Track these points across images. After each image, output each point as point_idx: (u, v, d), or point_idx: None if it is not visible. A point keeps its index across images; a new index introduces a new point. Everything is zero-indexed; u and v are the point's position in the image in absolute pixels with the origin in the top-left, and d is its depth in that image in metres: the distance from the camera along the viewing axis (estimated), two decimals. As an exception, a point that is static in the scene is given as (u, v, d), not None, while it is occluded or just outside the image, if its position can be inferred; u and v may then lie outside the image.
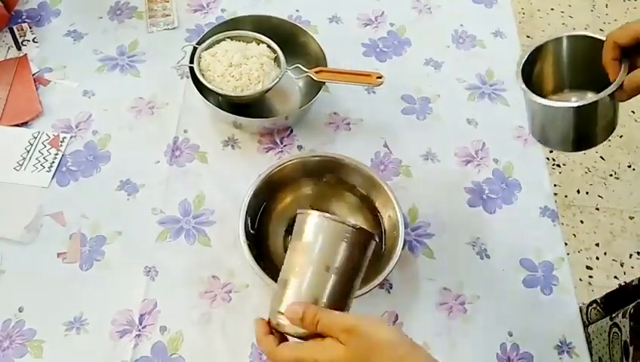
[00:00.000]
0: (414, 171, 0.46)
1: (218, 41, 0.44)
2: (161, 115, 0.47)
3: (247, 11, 0.54)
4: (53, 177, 0.43)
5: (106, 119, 0.46)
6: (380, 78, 0.43)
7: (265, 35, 0.45)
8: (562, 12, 1.19)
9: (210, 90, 0.43)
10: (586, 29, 1.16)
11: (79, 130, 0.46)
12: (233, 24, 0.46)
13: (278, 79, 0.43)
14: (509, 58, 0.53)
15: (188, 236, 0.41)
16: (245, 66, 0.42)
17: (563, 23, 1.17)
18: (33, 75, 0.48)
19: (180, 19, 0.53)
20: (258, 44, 0.44)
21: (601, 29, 1.17)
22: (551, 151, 0.94)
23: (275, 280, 0.32)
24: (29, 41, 0.50)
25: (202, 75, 0.43)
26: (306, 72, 0.43)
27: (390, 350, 0.23)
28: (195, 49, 0.44)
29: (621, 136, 0.97)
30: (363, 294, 0.35)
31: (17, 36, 0.50)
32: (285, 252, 0.28)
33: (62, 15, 0.52)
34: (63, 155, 0.44)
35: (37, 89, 0.47)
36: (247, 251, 0.36)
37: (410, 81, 0.50)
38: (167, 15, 0.53)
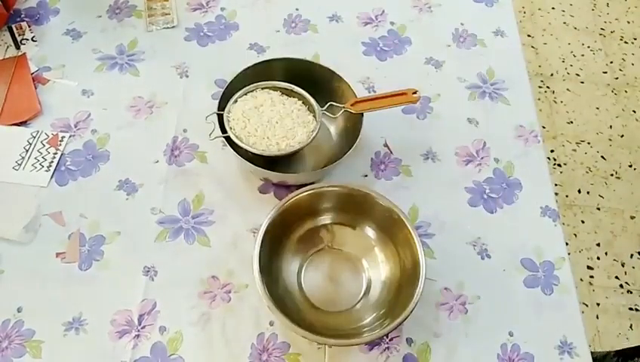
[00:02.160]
0: (415, 171, 0.46)
1: (247, 93, 0.42)
2: (161, 115, 0.47)
3: (246, 11, 0.54)
4: (52, 177, 0.43)
5: (105, 118, 0.46)
6: (415, 93, 0.42)
7: (291, 78, 0.43)
8: (563, 11, 1.18)
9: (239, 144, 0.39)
10: (587, 28, 1.16)
11: (78, 130, 0.46)
12: (259, 70, 0.44)
13: (316, 132, 0.40)
14: (510, 57, 0.53)
15: (187, 236, 0.41)
16: (281, 121, 0.40)
17: (564, 22, 1.17)
18: (32, 74, 0.48)
19: (179, 18, 0.53)
20: (287, 94, 0.42)
21: (602, 28, 1.17)
22: (552, 151, 0.94)
23: (288, 315, 0.33)
24: (27, 39, 0.50)
25: (235, 134, 0.40)
26: (342, 107, 0.41)
27: None
28: (222, 100, 0.41)
29: (622, 136, 0.97)
30: (392, 329, 0.33)
31: (16, 35, 0.50)
32: (299, 289, 0.29)
33: (61, 14, 0.52)
34: (61, 155, 0.44)
35: (36, 88, 0.47)
36: (263, 292, 0.34)
37: (410, 80, 0.50)
38: (166, 14, 0.52)
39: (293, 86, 0.42)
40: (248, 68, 0.45)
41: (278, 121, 0.40)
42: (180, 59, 0.50)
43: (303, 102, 0.42)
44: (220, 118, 0.41)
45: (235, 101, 0.41)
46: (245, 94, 0.42)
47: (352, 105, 0.42)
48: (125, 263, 0.40)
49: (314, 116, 0.41)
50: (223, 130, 0.41)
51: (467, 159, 0.46)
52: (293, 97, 0.42)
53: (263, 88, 0.42)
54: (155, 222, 0.41)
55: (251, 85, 0.42)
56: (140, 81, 0.49)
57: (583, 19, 1.17)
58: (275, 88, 0.42)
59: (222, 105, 0.42)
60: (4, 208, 0.41)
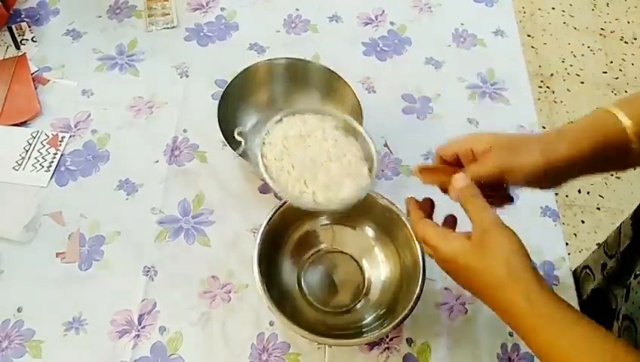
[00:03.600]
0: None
1: (295, 113, 0.33)
2: (161, 115, 0.47)
3: (246, 11, 0.54)
4: (52, 177, 0.43)
5: (105, 118, 0.46)
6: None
7: (291, 78, 0.40)
8: (563, 11, 1.18)
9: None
10: (587, 28, 1.16)
11: (78, 130, 0.46)
12: (259, 70, 0.43)
13: (367, 192, 0.31)
14: (510, 57, 0.53)
15: (187, 236, 0.41)
16: (327, 164, 0.30)
17: (564, 22, 1.17)
18: (32, 74, 0.48)
19: (179, 18, 0.53)
20: (345, 128, 0.32)
21: (602, 28, 1.17)
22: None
23: (287, 315, 0.32)
24: (27, 40, 0.50)
25: (265, 163, 0.31)
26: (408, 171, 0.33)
27: (505, 264, 0.25)
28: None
29: (622, 136, 0.97)
30: (392, 329, 0.33)
31: (16, 35, 0.50)
32: (299, 289, 0.30)
33: (61, 14, 0.52)
34: (61, 155, 0.44)
35: (36, 88, 0.47)
36: (264, 294, 0.33)
37: (410, 80, 0.50)
38: (166, 14, 0.52)
39: (352, 121, 0.32)
40: (248, 68, 0.45)
41: (325, 162, 0.31)
42: (180, 59, 0.50)
43: (360, 145, 0.32)
44: (221, 121, 0.41)
45: (280, 120, 0.32)
46: (293, 114, 0.32)
47: (420, 171, 0.32)
48: (125, 263, 0.40)
49: (369, 169, 0.31)
50: (224, 133, 0.40)
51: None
52: (350, 135, 0.32)
53: (315, 113, 0.32)
54: (155, 222, 0.41)
55: (303, 107, 0.33)
56: (140, 81, 0.49)
57: (583, 19, 1.17)
58: (328, 116, 0.32)
59: (222, 105, 0.42)
60: (4, 208, 0.41)
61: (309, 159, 0.32)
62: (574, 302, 0.40)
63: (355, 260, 0.40)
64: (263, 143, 0.32)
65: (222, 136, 0.41)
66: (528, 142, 0.28)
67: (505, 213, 0.43)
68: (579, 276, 0.42)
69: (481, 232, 0.27)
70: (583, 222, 0.88)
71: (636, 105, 0.28)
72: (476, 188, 0.27)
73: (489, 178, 0.28)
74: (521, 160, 0.28)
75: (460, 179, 0.28)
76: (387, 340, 0.37)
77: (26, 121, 0.46)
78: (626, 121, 0.27)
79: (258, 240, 0.36)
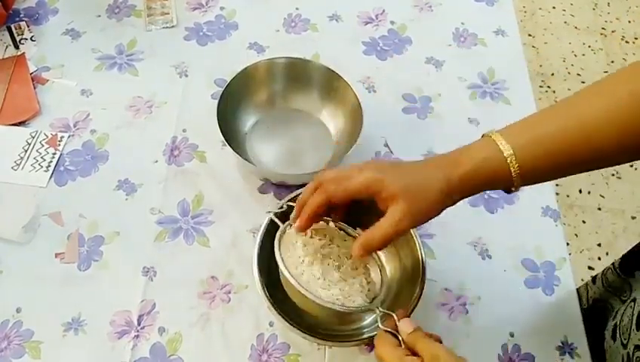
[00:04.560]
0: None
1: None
2: (160, 114, 0.47)
3: (246, 10, 0.54)
4: (51, 177, 0.43)
5: (104, 118, 0.46)
6: None
7: (291, 78, 0.41)
8: (564, 10, 1.18)
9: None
10: (587, 27, 1.16)
11: (77, 130, 0.45)
12: (259, 69, 0.43)
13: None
14: (511, 57, 0.53)
15: (186, 236, 0.41)
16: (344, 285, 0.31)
17: (565, 22, 1.17)
18: (31, 73, 0.48)
19: (178, 18, 0.52)
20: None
21: (603, 28, 1.17)
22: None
23: (287, 315, 0.32)
24: (26, 39, 0.50)
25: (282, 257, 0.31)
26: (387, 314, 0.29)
27: None
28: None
29: (623, 136, 0.96)
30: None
31: (15, 35, 0.50)
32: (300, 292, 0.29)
33: (60, 13, 0.52)
34: (60, 155, 0.44)
35: (35, 88, 0.47)
36: (265, 298, 0.33)
37: (411, 79, 0.50)
38: (165, 13, 0.52)
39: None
40: (248, 67, 0.44)
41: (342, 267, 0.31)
42: (180, 59, 0.50)
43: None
44: (220, 120, 0.40)
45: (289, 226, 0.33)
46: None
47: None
48: (124, 263, 0.39)
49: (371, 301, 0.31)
50: (224, 133, 0.40)
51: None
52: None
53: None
54: (155, 223, 0.41)
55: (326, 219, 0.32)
56: (139, 80, 0.48)
57: (584, 18, 1.17)
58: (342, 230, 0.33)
59: (222, 105, 0.42)
60: (3, 208, 0.41)
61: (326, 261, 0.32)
62: (575, 305, 0.40)
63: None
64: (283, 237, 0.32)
65: (221, 136, 0.41)
66: (429, 189, 0.28)
67: (506, 214, 0.44)
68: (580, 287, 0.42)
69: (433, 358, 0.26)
70: (584, 222, 0.88)
71: (516, 131, 0.29)
72: (421, 329, 0.28)
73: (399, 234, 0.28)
74: (425, 212, 0.28)
75: (406, 325, 0.28)
76: (387, 341, 0.37)
77: (25, 121, 0.45)
78: (505, 148, 0.28)
79: (258, 241, 0.36)
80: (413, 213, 0.28)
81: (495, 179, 0.28)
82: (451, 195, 0.28)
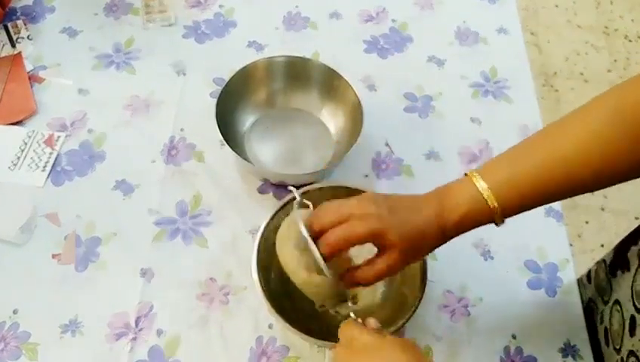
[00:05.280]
0: (416, 171, 0.45)
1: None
2: (158, 113, 0.46)
3: (245, 8, 0.53)
4: (48, 177, 0.42)
5: (102, 117, 0.46)
6: None
7: (290, 77, 0.41)
8: (566, 9, 1.17)
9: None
10: (590, 26, 1.15)
11: (74, 129, 0.45)
12: (258, 68, 0.42)
13: None
14: (513, 55, 0.52)
15: (185, 237, 0.40)
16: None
17: (567, 20, 1.16)
18: (28, 72, 0.47)
19: (176, 16, 0.52)
20: None
21: (605, 26, 1.16)
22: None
23: (287, 317, 0.32)
24: (23, 38, 0.49)
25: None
26: None
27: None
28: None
29: (626, 135, 0.96)
30: (395, 329, 0.33)
31: (12, 33, 0.50)
32: (299, 290, 0.29)
33: (57, 12, 0.51)
34: (57, 154, 0.43)
35: (32, 87, 0.47)
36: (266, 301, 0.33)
37: (412, 78, 0.50)
38: (163, 11, 0.52)
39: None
40: (247, 66, 0.44)
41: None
42: (178, 57, 0.49)
43: None
44: (219, 120, 0.40)
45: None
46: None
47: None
48: (122, 265, 0.39)
49: None
50: (222, 132, 0.40)
51: (470, 158, 0.46)
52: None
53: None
54: (152, 223, 0.41)
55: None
56: (137, 79, 0.48)
57: (587, 17, 1.16)
58: None
59: (220, 104, 0.42)
60: (0, 209, 0.41)
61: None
62: (578, 306, 0.39)
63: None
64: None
65: (220, 136, 0.40)
66: (424, 242, 0.30)
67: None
68: (580, 284, 0.41)
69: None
70: (587, 223, 0.87)
71: (493, 168, 0.30)
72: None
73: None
74: (418, 257, 0.31)
75: (373, 323, 0.29)
76: (388, 343, 0.37)
77: (21, 121, 0.45)
78: (483, 186, 0.29)
79: (257, 242, 0.35)
80: (408, 259, 0.30)
81: (481, 219, 0.30)
82: (444, 239, 0.30)
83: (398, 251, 0.28)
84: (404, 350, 0.26)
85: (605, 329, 0.37)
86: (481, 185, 0.29)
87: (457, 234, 0.30)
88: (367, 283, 0.30)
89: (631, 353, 0.33)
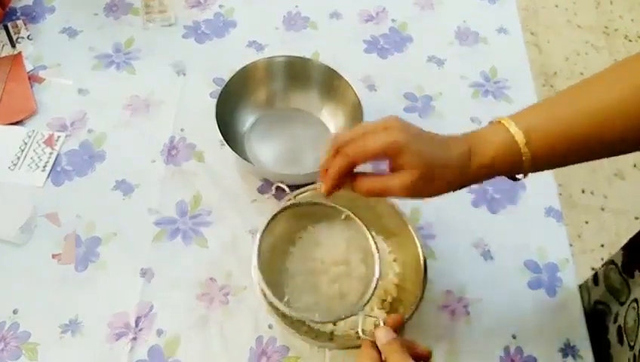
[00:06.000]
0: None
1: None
2: (158, 114, 0.46)
3: (245, 8, 0.53)
4: (48, 177, 0.42)
5: (102, 117, 0.46)
6: None
7: (290, 77, 0.41)
8: (566, 9, 1.17)
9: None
10: (590, 26, 1.15)
11: (74, 129, 0.45)
12: (258, 68, 0.42)
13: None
14: (513, 55, 0.52)
15: (184, 237, 0.40)
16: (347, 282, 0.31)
17: (567, 20, 1.16)
18: (28, 72, 0.47)
19: (176, 16, 0.52)
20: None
21: (605, 26, 1.16)
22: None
23: (287, 317, 0.32)
24: (23, 38, 0.49)
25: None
26: None
27: None
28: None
29: (626, 135, 0.96)
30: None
31: (12, 33, 0.50)
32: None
33: (57, 12, 0.51)
34: (58, 155, 0.43)
35: (31, 87, 0.47)
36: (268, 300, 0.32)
37: (412, 78, 0.50)
38: (163, 11, 0.52)
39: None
40: (247, 66, 0.44)
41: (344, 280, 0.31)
42: (178, 57, 0.49)
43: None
44: (219, 120, 0.40)
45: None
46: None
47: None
48: (122, 264, 0.39)
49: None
50: (222, 132, 0.40)
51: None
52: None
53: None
54: (152, 223, 0.41)
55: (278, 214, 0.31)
56: (137, 79, 0.48)
57: (587, 17, 1.16)
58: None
59: (220, 104, 0.42)
60: (0, 209, 0.41)
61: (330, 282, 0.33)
62: (578, 307, 0.39)
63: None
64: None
65: (220, 136, 0.40)
66: (446, 172, 0.27)
67: (508, 214, 0.43)
68: (582, 287, 0.41)
69: None
70: (587, 222, 0.87)
71: (527, 116, 0.28)
72: (398, 341, 0.27)
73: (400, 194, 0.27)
74: (431, 191, 0.28)
75: (381, 334, 0.27)
76: (388, 343, 0.37)
77: (21, 121, 0.45)
78: (517, 132, 0.27)
79: (257, 242, 0.35)
80: (422, 187, 0.27)
81: (509, 167, 0.28)
82: (463, 182, 0.28)
83: (417, 173, 0.26)
84: None
85: (619, 327, 0.36)
86: (514, 129, 0.27)
87: (479, 179, 0.28)
88: (369, 194, 0.27)
89: None
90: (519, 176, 0.29)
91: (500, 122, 0.28)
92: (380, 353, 0.27)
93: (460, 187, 0.28)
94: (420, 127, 0.28)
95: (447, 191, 0.28)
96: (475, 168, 0.28)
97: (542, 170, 0.29)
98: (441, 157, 0.27)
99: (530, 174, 0.29)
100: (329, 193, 0.29)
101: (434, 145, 0.28)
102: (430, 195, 0.28)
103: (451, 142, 0.28)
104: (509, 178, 0.30)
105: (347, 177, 0.29)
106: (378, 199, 0.37)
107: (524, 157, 0.27)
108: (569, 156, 0.29)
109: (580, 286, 0.41)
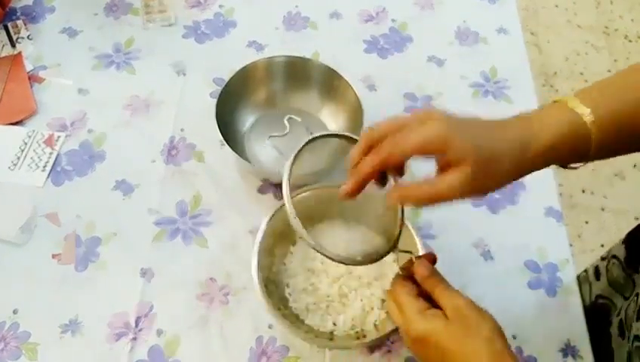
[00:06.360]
0: (416, 171, 0.45)
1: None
2: (158, 113, 0.46)
3: (245, 8, 0.53)
4: (48, 177, 0.42)
5: (102, 117, 0.46)
6: None
7: (290, 77, 0.41)
8: (566, 9, 1.17)
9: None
10: (590, 26, 1.15)
11: (74, 129, 0.45)
12: (258, 68, 0.42)
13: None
14: (513, 55, 0.52)
15: (185, 237, 0.40)
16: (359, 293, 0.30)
17: (567, 20, 1.16)
18: (28, 72, 0.47)
19: (176, 16, 0.52)
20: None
21: (606, 26, 1.16)
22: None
23: (287, 318, 0.32)
24: (23, 38, 0.49)
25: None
26: None
27: (487, 345, 0.24)
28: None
29: (626, 135, 0.96)
30: (393, 331, 0.31)
31: (12, 33, 0.50)
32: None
33: (57, 12, 0.51)
34: (57, 155, 0.43)
35: (31, 87, 0.47)
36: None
37: (412, 78, 0.50)
38: (163, 11, 0.52)
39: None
40: (247, 66, 0.44)
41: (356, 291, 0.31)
42: (178, 57, 0.49)
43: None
44: (219, 120, 0.40)
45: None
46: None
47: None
48: (122, 264, 0.39)
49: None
50: (222, 132, 0.40)
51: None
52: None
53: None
54: (152, 223, 0.41)
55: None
56: (137, 79, 0.48)
57: (587, 17, 1.16)
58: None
59: (220, 104, 0.42)
60: (0, 209, 0.41)
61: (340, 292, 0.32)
62: (578, 307, 0.39)
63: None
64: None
65: (220, 136, 0.40)
66: (502, 161, 0.23)
67: (508, 214, 0.43)
68: (581, 280, 0.41)
69: (459, 316, 0.25)
70: (587, 222, 0.87)
71: (593, 95, 0.25)
72: (439, 274, 0.26)
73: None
74: (489, 186, 0.24)
75: (422, 268, 0.25)
76: (388, 343, 0.37)
77: (21, 121, 0.45)
78: (585, 111, 0.24)
79: (257, 242, 0.35)
80: (478, 184, 0.23)
81: (573, 152, 0.25)
82: (523, 169, 0.25)
83: (469, 169, 0.22)
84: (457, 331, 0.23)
85: (620, 321, 0.35)
86: (583, 109, 0.24)
87: (539, 166, 0.24)
88: (419, 204, 0.25)
89: (636, 337, 0.32)
90: (575, 165, 0.26)
91: (563, 101, 0.25)
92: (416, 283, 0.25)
93: (519, 177, 0.25)
94: (464, 115, 0.25)
95: (504, 184, 0.25)
96: (535, 154, 0.24)
97: (606, 157, 0.25)
98: (495, 146, 0.23)
99: (530, 175, 0.27)
100: (352, 193, 0.26)
101: (484, 132, 0.24)
102: (487, 191, 0.24)
103: (505, 126, 0.24)
104: (564, 167, 0.26)
105: (375, 178, 0.26)
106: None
107: (592, 139, 0.24)
108: (632, 142, 0.25)
109: (580, 279, 0.40)
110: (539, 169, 0.25)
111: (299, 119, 0.35)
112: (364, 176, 0.25)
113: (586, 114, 0.24)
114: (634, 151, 0.27)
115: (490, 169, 0.23)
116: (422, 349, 0.25)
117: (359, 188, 0.26)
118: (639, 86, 0.26)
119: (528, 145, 0.24)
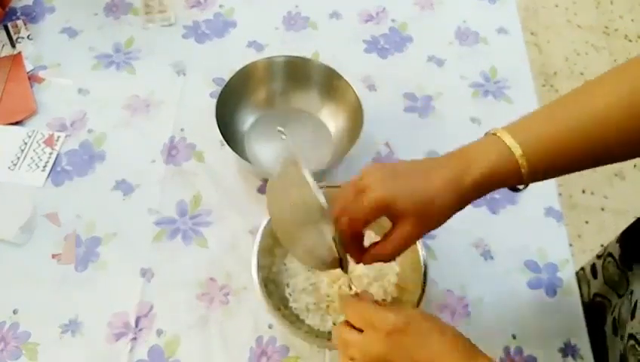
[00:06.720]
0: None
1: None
2: (158, 113, 0.46)
3: (245, 8, 0.53)
4: (48, 177, 0.42)
5: (102, 117, 0.46)
6: None
7: (290, 77, 0.41)
8: (567, 8, 1.17)
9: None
10: (590, 26, 1.15)
11: (74, 129, 0.45)
12: (258, 68, 0.43)
13: None
14: (513, 55, 0.52)
15: (185, 237, 0.40)
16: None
17: (567, 20, 1.16)
18: (28, 72, 0.47)
19: (176, 16, 0.52)
20: None
21: (606, 26, 1.16)
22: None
23: (287, 318, 0.32)
24: (23, 38, 0.49)
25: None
26: None
27: (462, 337, 0.26)
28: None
29: (626, 135, 0.96)
30: None
31: (12, 33, 0.50)
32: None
33: (57, 12, 0.51)
34: (57, 154, 0.43)
35: (31, 87, 0.47)
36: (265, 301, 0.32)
37: (412, 78, 0.50)
38: (163, 11, 0.52)
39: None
40: (247, 66, 0.44)
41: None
42: (178, 57, 0.49)
43: None
44: (219, 120, 0.40)
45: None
46: None
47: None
48: (122, 264, 0.39)
49: None
50: (222, 132, 0.40)
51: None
52: None
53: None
54: (152, 223, 0.41)
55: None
56: (137, 79, 0.48)
57: (587, 17, 1.16)
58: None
59: (220, 104, 0.42)
60: (0, 209, 0.41)
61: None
62: (578, 306, 0.39)
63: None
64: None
65: (220, 136, 0.40)
66: (440, 203, 0.27)
67: (508, 215, 0.43)
68: (580, 278, 0.41)
69: (422, 315, 0.27)
70: (587, 222, 0.87)
71: (523, 129, 0.28)
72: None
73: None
74: (435, 222, 0.28)
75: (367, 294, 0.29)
76: (388, 343, 0.37)
77: (21, 121, 0.45)
78: (513, 144, 0.27)
79: (257, 242, 0.35)
80: (424, 226, 0.28)
81: (506, 180, 0.28)
82: (462, 203, 0.28)
83: (411, 219, 0.26)
84: (430, 319, 0.25)
85: (614, 319, 0.36)
86: (511, 141, 0.27)
87: (478, 195, 0.28)
88: (387, 259, 0.28)
89: (630, 336, 0.32)
90: (520, 187, 0.29)
91: (495, 134, 0.28)
92: None
93: (460, 208, 0.28)
94: (397, 162, 0.29)
95: (449, 217, 0.28)
96: (469, 186, 0.27)
97: (542, 179, 0.28)
98: (430, 189, 0.27)
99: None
100: (360, 261, 0.30)
101: (420, 180, 0.27)
102: (436, 227, 0.28)
103: (440, 166, 0.28)
104: (509, 189, 0.29)
105: (360, 240, 0.29)
106: None
107: (522, 170, 0.27)
108: (570, 164, 0.28)
109: (579, 278, 0.40)
110: (478, 198, 0.28)
111: (284, 136, 0.35)
112: (348, 246, 0.29)
113: (514, 145, 0.27)
114: (578, 170, 0.29)
115: (431, 212, 0.27)
116: (398, 341, 0.25)
117: (358, 253, 0.30)
118: (570, 109, 0.28)
119: (461, 179, 0.27)
